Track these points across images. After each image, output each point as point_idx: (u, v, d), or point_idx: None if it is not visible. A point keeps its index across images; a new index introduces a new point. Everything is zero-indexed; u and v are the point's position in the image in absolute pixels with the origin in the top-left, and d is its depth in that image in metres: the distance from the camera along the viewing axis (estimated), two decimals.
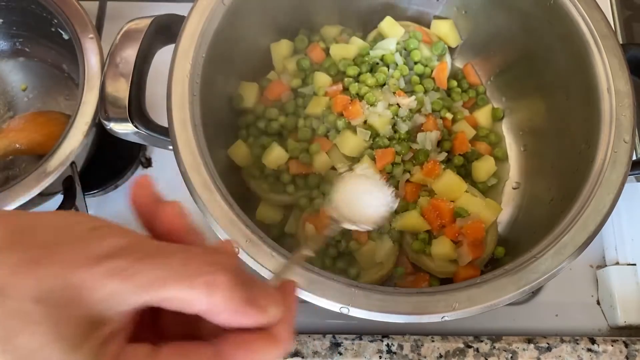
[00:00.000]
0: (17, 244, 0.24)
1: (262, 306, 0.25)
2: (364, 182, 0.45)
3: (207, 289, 0.24)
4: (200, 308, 0.24)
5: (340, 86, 0.64)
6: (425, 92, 0.66)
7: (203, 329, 0.26)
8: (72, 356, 0.23)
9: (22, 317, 0.23)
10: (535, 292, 0.64)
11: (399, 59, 0.66)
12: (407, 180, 0.62)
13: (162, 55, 0.57)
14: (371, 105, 0.63)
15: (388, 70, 0.66)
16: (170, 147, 0.51)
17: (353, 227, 0.42)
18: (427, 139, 0.63)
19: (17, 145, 0.65)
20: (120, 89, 0.53)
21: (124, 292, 0.23)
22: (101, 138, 0.62)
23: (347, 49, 0.67)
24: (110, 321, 0.24)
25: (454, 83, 0.69)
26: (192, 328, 0.27)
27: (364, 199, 0.43)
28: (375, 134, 0.62)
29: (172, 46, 0.54)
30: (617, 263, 0.65)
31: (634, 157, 0.53)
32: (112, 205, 0.68)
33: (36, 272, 0.23)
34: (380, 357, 0.57)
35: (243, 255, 0.47)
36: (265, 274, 0.46)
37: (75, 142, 0.58)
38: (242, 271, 0.25)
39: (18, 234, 0.25)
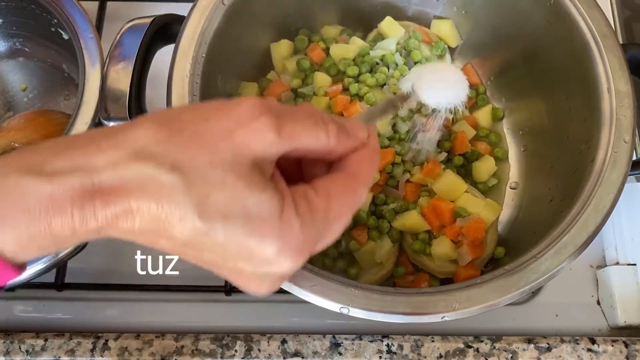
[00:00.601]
0: (171, 129, 0.29)
1: (356, 132, 0.34)
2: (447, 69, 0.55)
3: (326, 135, 0.32)
4: (322, 149, 0.32)
5: (340, 86, 0.64)
6: None
7: (308, 174, 0.35)
8: (263, 195, 0.29)
9: (207, 181, 0.28)
10: (535, 292, 0.64)
11: (399, 59, 0.66)
12: (407, 180, 0.63)
13: (162, 55, 0.57)
14: (371, 106, 0.63)
15: (388, 70, 0.66)
16: None
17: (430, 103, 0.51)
18: (427, 139, 0.63)
19: (17, 145, 0.64)
20: (121, 89, 0.53)
21: (277, 141, 0.29)
22: None
23: (347, 49, 0.67)
24: (270, 167, 0.30)
25: None
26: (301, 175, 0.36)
27: (445, 81, 0.52)
28: None
29: (172, 46, 0.54)
30: (617, 263, 0.65)
31: (634, 157, 0.53)
32: None
33: (200, 143, 0.28)
34: (380, 357, 0.57)
35: None
36: None
37: None
38: (334, 117, 0.33)
39: (166, 123, 0.29)
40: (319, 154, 0.33)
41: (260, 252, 0.29)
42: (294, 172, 0.36)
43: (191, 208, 0.27)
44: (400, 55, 0.67)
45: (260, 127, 0.29)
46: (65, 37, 0.66)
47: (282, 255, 0.29)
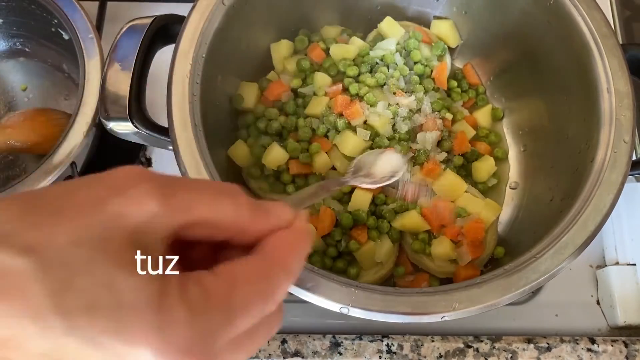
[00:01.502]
0: (28, 206, 0.24)
1: (277, 211, 0.28)
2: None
3: (234, 206, 0.26)
4: (230, 225, 0.27)
5: (340, 86, 0.64)
6: (425, 92, 0.66)
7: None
8: (136, 278, 0.23)
9: (68, 264, 0.22)
10: (535, 292, 0.64)
11: (399, 59, 0.66)
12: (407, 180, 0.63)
13: (162, 55, 0.57)
14: (371, 106, 0.63)
15: (388, 70, 0.66)
16: (171, 147, 0.51)
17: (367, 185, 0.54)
18: (427, 139, 0.63)
19: (15, 143, 0.64)
20: (121, 89, 0.53)
21: (163, 212, 0.24)
22: (101, 138, 0.62)
23: (347, 49, 0.67)
24: (157, 246, 0.25)
25: (454, 83, 0.69)
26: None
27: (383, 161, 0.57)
28: (375, 134, 0.62)
29: (172, 46, 0.54)
30: (617, 263, 0.65)
31: (634, 157, 0.53)
32: None
33: (62, 218, 0.23)
34: (380, 357, 0.57)
35: None
36: None
37: (75, 142, 0.58)
38: (250, 197, 0.28)
39: (27, 200, 0.24)
40: (228, 232, 0.27)
41: (133, 356, 0.22)
42: (209, 262, 0.28)
43: (46, 301, 0.21)
44: (400, 55, 0.67)
45: (140, 194, 0.24)
46: (66, 37, 0.66)
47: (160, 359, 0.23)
